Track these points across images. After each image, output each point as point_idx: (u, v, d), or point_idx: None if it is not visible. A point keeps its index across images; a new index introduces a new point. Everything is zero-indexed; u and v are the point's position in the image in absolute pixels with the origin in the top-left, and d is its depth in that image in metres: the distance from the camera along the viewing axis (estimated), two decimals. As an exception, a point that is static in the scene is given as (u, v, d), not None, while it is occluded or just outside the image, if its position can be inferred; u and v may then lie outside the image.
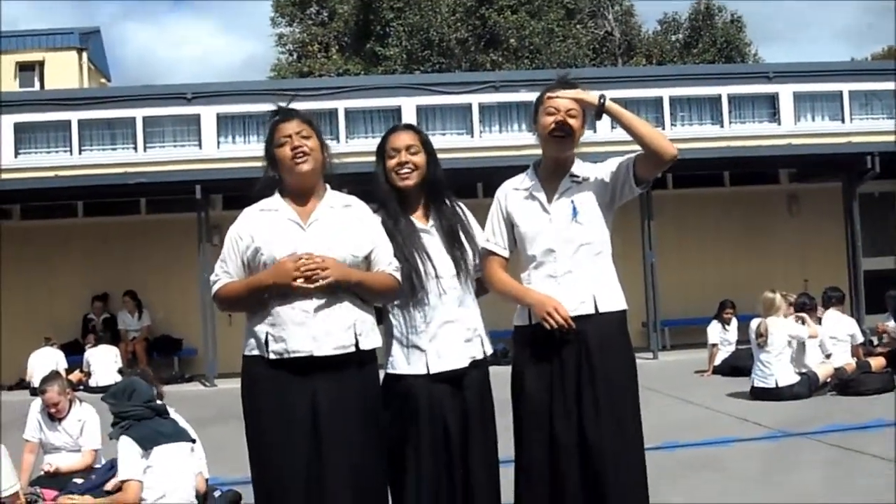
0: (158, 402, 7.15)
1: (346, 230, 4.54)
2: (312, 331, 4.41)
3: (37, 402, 8.43)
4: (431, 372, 4.72)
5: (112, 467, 7.66)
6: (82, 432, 8.30)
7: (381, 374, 4.74)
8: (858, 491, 7.29)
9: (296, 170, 4.57)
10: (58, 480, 7.89)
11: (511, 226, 4.98)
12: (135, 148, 20.22)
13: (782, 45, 78.28)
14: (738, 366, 14.24)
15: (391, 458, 4.65)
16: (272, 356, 4.45)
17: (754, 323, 12.56)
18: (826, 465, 8.34)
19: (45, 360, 15.97)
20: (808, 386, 12.15)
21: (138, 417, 6.82)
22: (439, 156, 5.01)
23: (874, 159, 17.92)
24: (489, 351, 4.93)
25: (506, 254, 4.99)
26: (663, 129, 19.60)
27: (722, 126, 21.33)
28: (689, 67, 32.53)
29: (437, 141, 5.06)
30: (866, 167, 18.05)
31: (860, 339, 13.58)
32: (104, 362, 16.88)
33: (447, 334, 4.77)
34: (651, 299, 17.93)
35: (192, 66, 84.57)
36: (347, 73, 37.02)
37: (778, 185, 21.20)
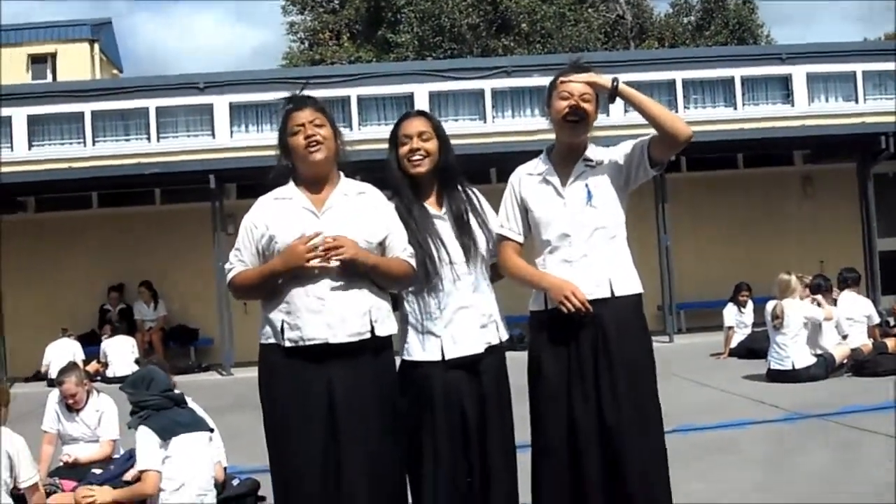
0: (176, 391, 7.16)
1: (361, 217, 4.55)
2: (327, 318, 4.41)
3: (54, 394, 8.45)
4: (447, 358, 4.71)
5: (130, 457, 7.67)
6: (100, 423, 8.32)
7: (398, 361, 4.75)
8: (876, 472, 7.26)
9: (309, 158, 4.57)
10: (76, 471, 7.91)
11: (525, 211, 4.98)
12: (148, 138, 20.24)
13: (795, 26, 77.83)
14: (755, 348, 14.22)
15: (409, 444, 4.66)
16: (287, 344, 4.46)
17: (770, 305, 12.54)
18: (842, 447, 8.32)
19: (62, 352, 16.02)
20: (825, 367, 12.13)
21: (157, 407, 6.84)
22: (452, 142, 5.00)
23: (888, 139, 17.88)
24: (505, 336, 4.93)
25: (520, 239, 4.99)
26: (676, 111, 19.50)
27: (735, 108, 21.25)
28: (702, 50, 32.47)
29: (450, 127, 5.08)
30: (880, 147, 18.01)
31: (876, 319, 13.55)
32: (121, 353, 16.94)
33: (462, 320, 4.77)
34: (666, 282, 17.91)
35: (204, 55, 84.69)
36: (359, 61, 36.99)
37: (792, 167, 21.13)
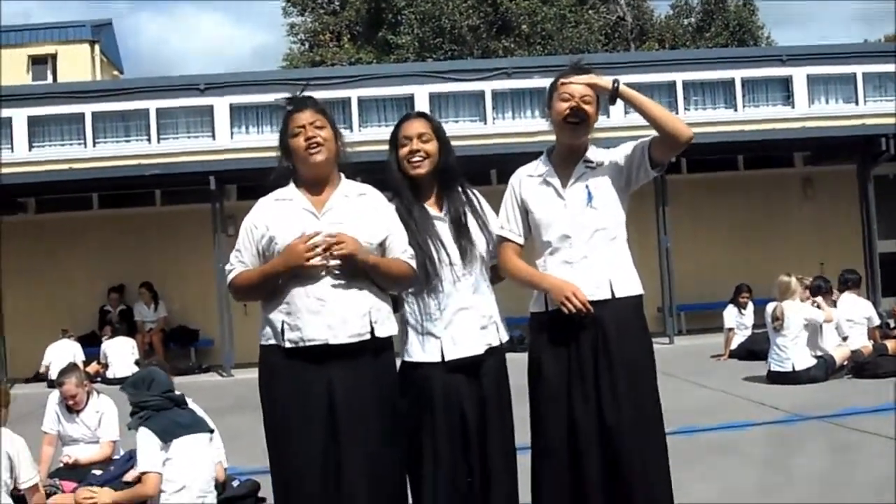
0: (176, 392, 7.16)
1: (361, 218, 4.55)
2: (327, 319, 4.42)
3: (55, 395, 8.45)
4: (446, 359, 4.71)
5: (131, 458, 7.68)
6: (100, 424, 8.32)
7: (398, 363, 4.75)
8: (876, 474, 7.27)
9: (310, 160, 4.58)
10: (76, 472, 7.91)
11: (525, 212, 4.98)
12: (148, 139, 20.25)
13: (795, 28, 77.88)
14: (755, 350, 14.22)
15: (409, 445, 4.66)
16: (288, 344, 4.47)
17: (770, 307, 12.55)
18: (843, 449, 8.32)
19: (63, 353, 16.05)
20: (825, 369, 12.13)
21: (157, 408, 6.84)
22: (452, 143, 5.00)
23: (888, 141, 17.89)
24: (505, 338, 4.93)
25: (521, 240, 4.99)
26: (677, 113, 19.51)
27: (735, 110, 21.26)
28: (702, 51, 32.42)
29: (450, 128, 5.08)
30: (881, 149, 18.01)
31: (876, 321, 13.55)
32: (121, 354, 16.94)
33: (462, 321, 4.77)
34: (666, 284, 17.91)
35: (205, 57, 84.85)
36: (360, 62, 37.01)
37: (792, 169, 21.13)
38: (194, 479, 6.79)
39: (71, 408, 8.27)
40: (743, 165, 21.04)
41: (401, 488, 4.63)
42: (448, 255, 4.79)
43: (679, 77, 21.17)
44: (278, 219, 4.59)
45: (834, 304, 13.17)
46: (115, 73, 41.72)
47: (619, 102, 4.90)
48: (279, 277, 4.50)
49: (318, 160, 4.58)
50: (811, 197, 20.68)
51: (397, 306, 4.79)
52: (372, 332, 4.48)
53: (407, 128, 4.91)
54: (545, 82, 5.17)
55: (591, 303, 4.69)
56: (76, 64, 37.07)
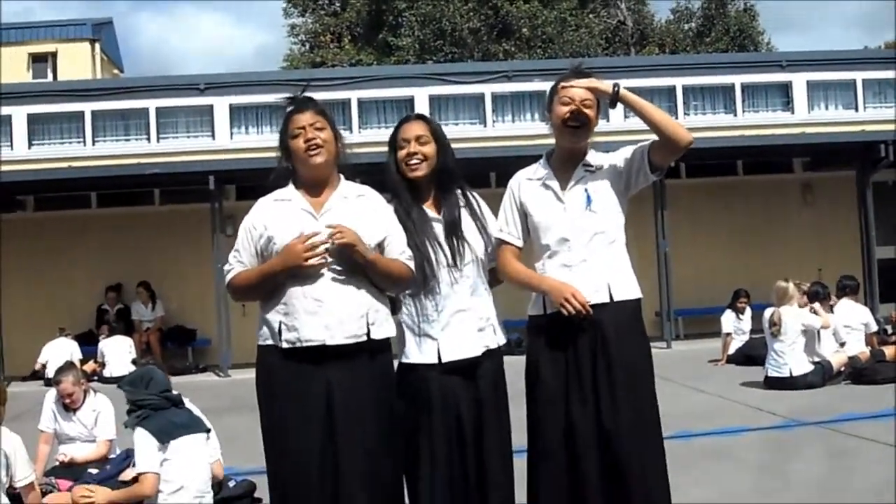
0: (173, 392, 7.16)
1: (360, 219, 4.54)
2: (325, 319, 4.42)
3: (51, 393, 8.45)
4: (443, 361, 4.71)
5: (127, 457, 7.68)
6: (97, 423, 8.32)
7: (396, 364, 4.76)
8: (872, 480, 7.27)
9: (309, 162, 4.58)
10: (73, 471, 7.91)
11: (524, 215, 4.98)
12: (148, 139, 20.27)
13: (795, 34, 77.96)
14: (752, 355, 14.23)
15: (406, 447, 4.66)
16: (285, 345, 4.47)
17: (768, 312, 12.55)
18: (840, 455, 8.33)
19: (60, 351, 16.05)
20: (822, 375, 12.13)
21: (154, 407, 6.83)
22: (452, 146, 5.00)
23: (888, 148, 17.90)
24: (502, 341, 4.93)
25: (519, 243, 4.99)
26: (676, 118, 19.50)
27: (735, 115, 21.30)
28: (702, 56, 32.44)
29: (450, 131, 5.06)
30: (880, 156, 18.03)
31: (874, 327, 13.54)
32: (118, 353, 16.93)
33: (459, 323, 4.77)
34: (664, 288, 17.93)
35: (205, 56, 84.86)
36: (360, 64, 37.02)
37: (791, 174, 21.17)
38: (192, 480, 6.78)
39: (68, 406, 8.27)
40: (742, 170, 21.07)
41: (398, 489, 4.63)
42: (446, 256, 4.79)
43: (679, 82, 21.20)
44: (277, 219, 4.60)
45: (831, 309, 13.17)
46: (116, 71, 41.73)
47: (620, 106, 4.90)
48: (277, 277, 4.50)
49: (318, 162, 4.58)
50: (810, 203, 20.70)
51: (396, 308, 4.79)
52: (368, 333, 4.48)
53: (405, 130, 4.92)
54: (545, 86, 5.19)
55: (590, 306, 4.69)
56: (76, 62, 37.07)
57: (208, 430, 7.19)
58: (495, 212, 5.09)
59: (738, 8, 42.64)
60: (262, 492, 6.91)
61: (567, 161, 4.95)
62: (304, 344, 4.44)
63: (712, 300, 17.87)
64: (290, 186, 4.69)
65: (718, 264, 19.44)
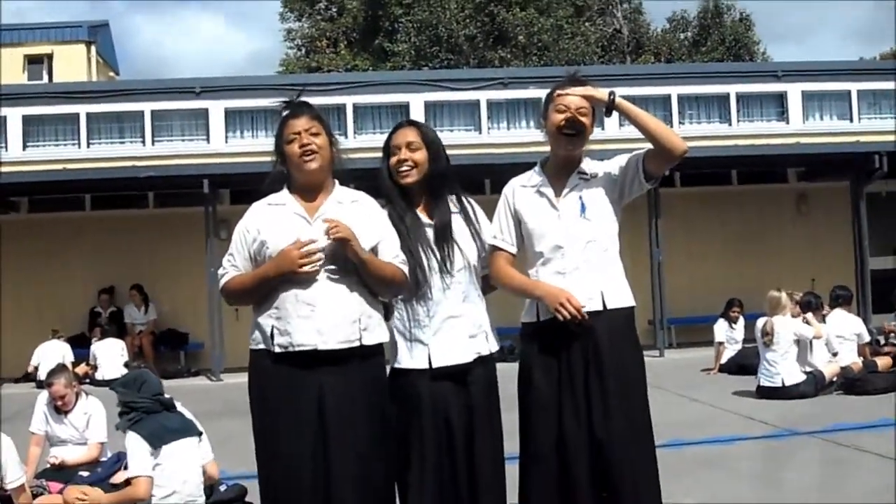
0: (165, 396, 7.15)
1: (354, 224, 4.53)
2: (317, 324, 4.42)
3: (43, 395, 8.43)
4: (434, 366, 4.71)
5: (118, 460, 7.67)
6: (88, 425, 8.31)
7: (388, 369, 4.76)
8: (863, 490, 7.28)
9: (304, 167, 4.58)
10: (63, 473, 7.89)
11: (518, 222, 4.97)
12: (143, 142, 20.26)
13: (791, 44, 78.21)
14: (745, 364, 14.23)
15: (397, 452, 4.66)
16: (277, 349, 4.47)
17: (760, 322, 12.56)
18: (831, 465, 8.34)
19: (52, 353, 16.03)
20: (815, 385, 12.14)
21: (147, 410, 6.82)
22: (447, 152, 5.00)
23: (882, 159, 17.93)
24: (495, 348, 4.92)
25: (513, 250, 4.98)
26: (671, 126, 19.49)
27: (730, 124, 21.34)
28: (698, 66, 32.54)
29: (445, 137, 5.06)
30: (874, 167, 18.04)
31: (867, 338, 13.55)
32: (110, 356, 16.91)
33: (451, 329, 4.77)
34: (658, 297, 17.92)
35: (201, 60, 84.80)
36: (356, 69, 37.08)
37: (786, 184, 21.20)
38: (183, 484, 6.77)
39: (59, 409, 8.26)
40: (737, 180, 21.10)
41: (389, 494, 4.63)
42: (438, 262, 4.79)
43: (674, 91, 21.24)
44: (270, 223, 4.60)
45: (824, 319, 13.17)
46: (111, 74, 41.75)
47: (615, 115, 4.90)
48: (271, 282, 4.50)
49: (312, 168, 4.58)
50: (804, 213, 20.73)
51: (388, 314, 4.80)
52: (360, 339, 4.49)
53: (396, 137, 4.93)
54: (540, 93, 5.19)
55: (576, 323, 4.69)
56: (72, 64, 37.08)
57: (200, 434, 7.18)
58: (490, 218, 5.08)
59: (734, 18, 42.79)
60: (254, 496, 6.90)
61: (562, 169, 4.95)
62: (297, 348, 4.44)
63: (705, 309, 17.87)
64: (285, 191, 4.69)
65: (712, 273, 19.46)
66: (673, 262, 18.46)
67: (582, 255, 4.81)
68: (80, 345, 17.90)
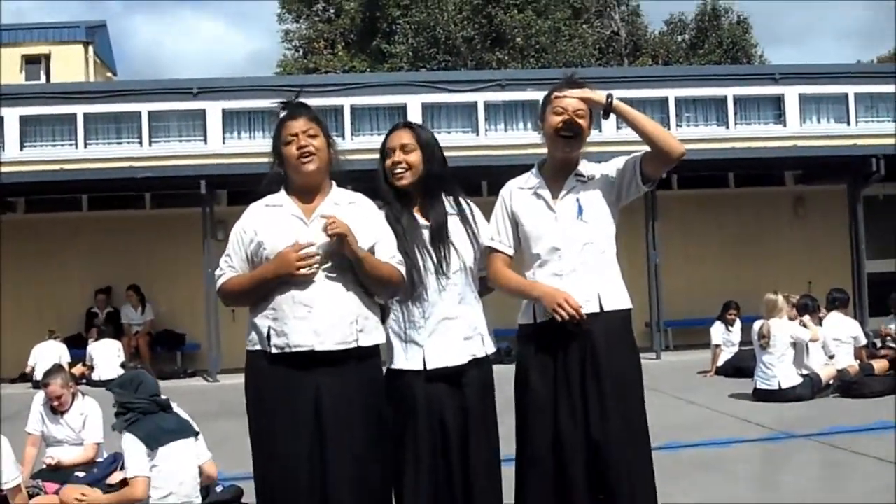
0: (161, 397, 7.15)
1: (350, 226, 4.53)
2: (314, 325, 4.42)
3: (39, 395, 8.43)
4: (428, 368, 4.71)
5: (114, 461, 7.67)
6: (84, 426, 8.30)
7: (385, 370, 4.75)
8: (860, 493, 7.29)
9: (301, 169, 4.58)
10: (59, 474, 7.89)
11: (516, 224, 4.98)
12: (140, 142, 20.23)
13: (788, 47, 78.26)
14: (741, 367, 14.23)
15: (394, 453, 4.66)
16: (274, 350, 4.47)
17: (757, 324, 12.56)
18: (828, 467, 8.35)
19: (49, 354, 16.00)
20: (811, 388, 12.14)
21: (143, 411, 6.82)
22: (444, 154, 5.00)
23: (879, 162, 17.92)
24: (491, 350, 4.92)
25: (510, 252, 4.98)
26: (669, 129, 19.52)
27: (727, 127, 21.34)
28: (695, 68, 32.54)
29: (442, 139, 5.06)
30: (871, 170, 18.04)
31: (863, 341, 13.56)
32: (107, 356, 16.89)
33: (446, 331, 4.77)
34: (654, 299, 17.91)
35: (199, 61, 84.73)
36: (353, 70, 37.09)
37: (783, 187, 21.18)
38: (180, 485, 6.78)
39: (56, 409, 8.26)
40: (734, 183, 21.07)
41: (386, 495, 4.62)
42: (433, 263, 4.79)
43: (672, 93, 21.24)
44: (267, 224, 4.60)
45: (820, 322, 13.18)
46: (109, 74, 41.74)
47: (612, 117, 4.90)
48: (269, 284, 4.50)
49: (310, 169, 4.58)
50: (801, 216, 20.73)
51: (385, 316, 4.79)
52: (357, 340, 4.49)
53: (391, 139, 4.93)
54: (538, 95, 5.18)
55: (574, 323, 4.69)
56: (70, 64, 37.06)
57: (197, 434, 7.18)
58: (488, 220, 5.08)
59: (732, 20, 42.80)
60: (250, 497, 6.91)
61: (559, 171, 4.95)
62: (293, 349, 4.44)
63: (702, 312, 17.87)
64: (282, 192, 4.69)
65: (709, 276, 19.46)
66: (670, 264, 18.46)
67: (579, 258, 4.81)
68: (77, 345, 17.87)
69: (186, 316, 19.06)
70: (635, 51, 42.72)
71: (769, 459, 8.86)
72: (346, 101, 20.38)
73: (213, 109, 20.29)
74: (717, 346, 15.49)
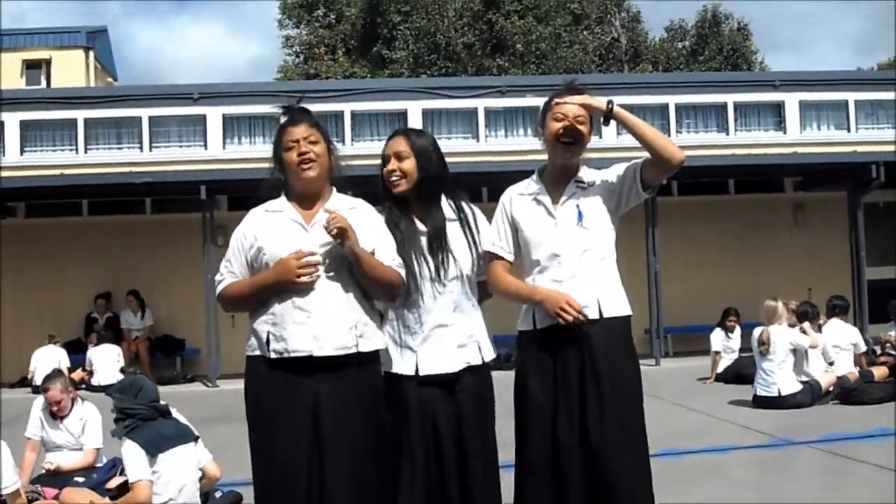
0: (161, 402, 7.14)
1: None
2: (313, 330, 4.43)
3: (39, 400, 8.43)
4: (420, 373, 4.71)
5: (114, 466, 7.67)
6: (84, 431, 8.30)
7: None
8: (860, 500, 7.28)
9: (302, 175, 4.58)
10: (59, 479, 7.88)
11: (516, 230, 4.97)
12: (140, 147, 20.26)
13: (789, 54, 78.30)
14: (741, 373, 14.22)
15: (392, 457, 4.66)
16: (273, 355, 4.47)
17: (757, 331, 12.55)
18: (828, 474, 8.33)
19: (48, 358, 16.01)
20: (811, 394, 12.13)
21: (143, 417, 6.82)
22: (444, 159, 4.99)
23: (879, 169, 17.94)
24: (489, 357, 4.89)
25: (511, 257, 4.98)
26: (669, 136, 19.52)
27: (727, 134, 21.36)
28: (696, 75, 32.56)
29: (443, 145, 5.04)
30: (871, 177, 18.05)
31: (863, 348, 13.55)
32: (106, 361, 16.88)
33: (440, 338, 4.76)
34: (654, 306, 17.91)
35: (199, 66, 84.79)
36: (354, 76, 37.09)
37: (783, 194, 21.19)
38: (180, 491, 6.77)
39: (55, 414, 8.26)
40: (734, 189, 21.08)
41: (385, 501, 4.61)
42: (429, 270, 4.78)
43: (672, 100, 21.27)
44: (267, 230, 4.60)
45: (820, 329, 13.18)
46: (109, 79, 41.77)
47: (612, 123, 4.91)
48: (269, 290, 4.50)
49: (310, 176, 4.58)
50: (801, 222, 20.74)
51: (383, 321, 4.79)
52: (357, 345, 4.49)
53: (388, 147, 4.93)
54: (538, 101, 5.19)
55: (580, 323, 4.69)
56: (70, 70, 37.08)
57: (196, 438, 7.18)
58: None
59: (732, 27, 42.80)
60: (249, 502, 6.91)
61: (559, 177, 4.95)
62: (292, 354, 4.44)
63: (702, 318, 17.87)
64: (282, 198, 4.70)
65: (709, 282, 19.46)
66: (670, 271, 18.47)
67: (578, 264, 4.81)
68: (77, 350, 17.87)
69: (186, 321, 19.05)
70: (635, 57, 42.72)
71: (769, 466, 8.85)
72: (347, 107, 20.41)
73: (214, 115, 20.31)
74: (717, 352, 15.48)
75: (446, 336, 4.77)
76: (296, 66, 41.25)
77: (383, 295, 4.69)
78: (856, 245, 18.56)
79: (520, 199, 5.01)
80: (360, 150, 18.12)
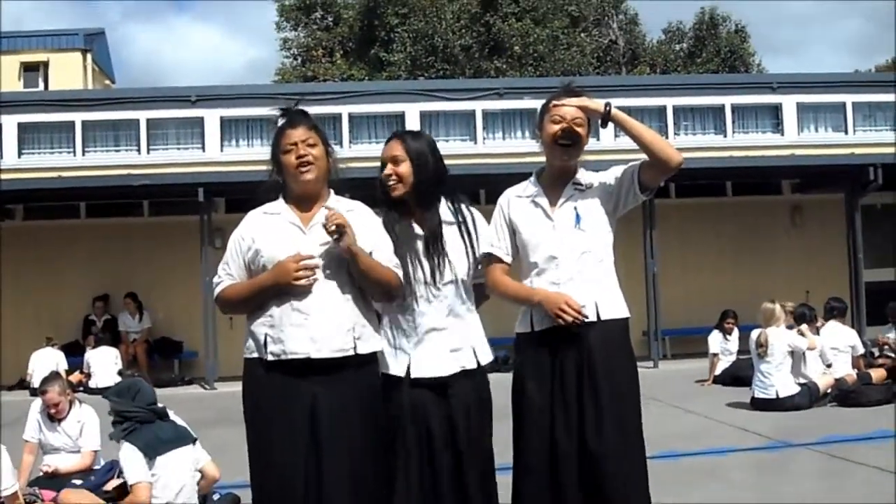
0: (158, 405, 7.14)
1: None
2: (311, 332, 4.42)
3: (37, 403, 8.43)
4: (413, 376, 4.70)
5: (111, 468, 7.66)
6: (82, 433, 8.30)
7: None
8: (858, 502, 7.28)
9: (300, 178, 4.58)
10: (57, 481, 7.88)
11: (513, 232, 4.97)
12: (138, 150, 20.25)
13: (786, 56, 78.35)
14: (739, 376, 14.23)
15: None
16: (270, 357, 4.47)
17: (754, 333, 12.55)
18: (826, 476, 8.33)
19: (46, 361, 15.98)
20: (809, 397, 12.14)
21: (141, 420, 6.82)
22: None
23: (877, 171, 17.94)
24: (485, 361, 4.86)
25: (508, 259, 4.97)
26: (667, 138, 19.56)
27: (725, 136, 21.37)
28: (693, 77, 32.58)
29: (440, 147, 5.03)
30: (869, 179, 18.05)
31: (861, 350, 13.56)
32: (104, 364, 16.88)
33: (433, 342, 4.75)
34: (652, 308, 17.92)
35: (197, 69, 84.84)
36: (351, 78, 37.10)
37: (780, 196, 21.21)
38: (178, 494, 6.77)
39: (53, 416, 8.25)
40: (731, 191, 21.10)
41: (383, 502, 4.61)
42: (424, 273, 4.78)
43: (670, 102, 21.27)
44: (265, 232, 4.60)
45: (818, 331, 13.18)
46: (107, 82, 41.73)
47: (610, 125, 4.91)
48: (267, 293, 4.50)
49: (308, 179, 4.58)
50: (799, 225, 20.74)
51: (379, 323, 4.79)
52: (355, 347, 4.49)
53: (384, 151, 4.92)
54: (536, 103, 5.17)
55: (578, 325, 4.69)
56: (68, 72, 37.05)
57: (194, 440, 7.18)
58: (485, 229, 5.07)
59: (730, 29, 42.83)
60: (247, 504, 6.91)
61: (557, 179, 4.95)
62: (289, 356, 4.43)
63: (700, 320, 17.88)
64: (280, 200, 4.70)
65: (706, 285, 19.46)
66: (667, 273, 18.48)
67: (576, 266, 4.81)
68: (74, 352, 17.86)
69: (184, 323, 19.04)
70: (633, 59, 42.76)
71: (767, 468, 8.85)
72: (345, 109, 20.41)
73: (212, 117, 20.31)
74: (715, 354, 15.49)
75: (440, 340, 4.76)
76: (293, 68, 41.27)
77: (381, 295, 4.68)
78: (853, 247, 18.56)
79: (518, 201, 5.01)
80: (358, 153, 18.12)
